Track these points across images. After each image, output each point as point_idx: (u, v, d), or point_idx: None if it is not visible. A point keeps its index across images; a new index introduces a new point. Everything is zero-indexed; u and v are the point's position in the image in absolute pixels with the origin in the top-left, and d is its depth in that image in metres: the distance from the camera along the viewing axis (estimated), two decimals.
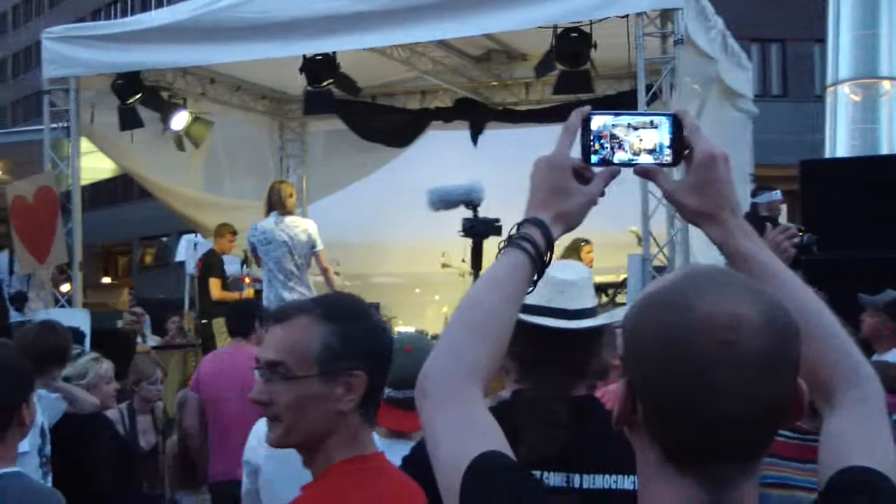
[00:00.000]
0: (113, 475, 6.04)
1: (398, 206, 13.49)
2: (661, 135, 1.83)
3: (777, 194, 9.94)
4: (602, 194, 1.89)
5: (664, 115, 1.85)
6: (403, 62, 11.45)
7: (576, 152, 1.86)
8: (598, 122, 1.83)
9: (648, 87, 8.90)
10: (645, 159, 1.83)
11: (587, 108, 1.86)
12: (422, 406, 1.73)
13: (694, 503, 1.39)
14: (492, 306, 1.81)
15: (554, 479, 2.71)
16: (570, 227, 1.89)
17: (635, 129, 1.83)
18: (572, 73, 9.93)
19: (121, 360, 7.15)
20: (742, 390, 1.34)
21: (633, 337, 1.45)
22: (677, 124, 1.83)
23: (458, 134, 12.71)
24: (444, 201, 7.06)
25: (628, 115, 1.86)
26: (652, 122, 1.84)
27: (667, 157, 1.83)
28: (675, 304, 1.40)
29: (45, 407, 5.67)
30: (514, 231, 1.88)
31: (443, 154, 13.18)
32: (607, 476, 2.65)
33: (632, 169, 1.84)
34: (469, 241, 7.10)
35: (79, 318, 9.75)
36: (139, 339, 13.20)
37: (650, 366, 1.40)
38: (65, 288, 10.80)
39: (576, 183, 1.85)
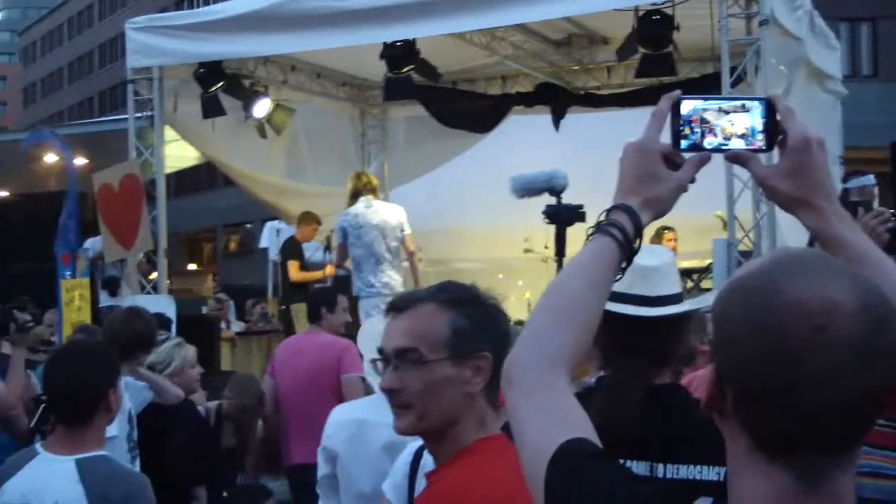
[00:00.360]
0: (196, 464, 6.11)
1: (480, 191, 13.45)
2: (752, 119, 1.78)
3: (869, 179, 9.64)
4: (692, 180, 1.85)
5: (756, 98, 1.80)
6: (484, 47, 11.40)
7: (665, 138, 1.83)
8: (688, 106, 1.80)
9: (733, 70, 8.76)
10: (736, 144, 1.79)
11: (677, 92, 1.83)
12: (507, 393, 1.73)
13: (786, 494, 1.34)
14: (576, 292, 1.80)
15: (637, 467, 2.69)
16: (659, 214, 1.87)
17: (726, 112, 1.79)
18: (655, 56, 9.80)
19: (205, 346, 7.23)
20: (835, 378, 1.29)
21: (721, 322, 1.41)
22: (770, 108, 1.78)
23: (540, 119, 12.64)
24: (526, 189, 7.08)
25: (719, 100, 1.82)
26: (743, 105, 1.79)
27: (759, 141, 1.78)
28: (765, 288, 1.36)
29: (131, 394, 5.76)
30: (602, 217, 1.86)
31: (524, 139, 13.12)
32: (691, 466, 2.61)
33: (722, 154, 1.80)
34: (552, 227, 7.06)
35: (164, 305, 9.88)
36: (223, 325, 13.38)
37: (739, 351, 1.36)
38: (156, 276, 10.97)
39: (665, 169, 1.82)
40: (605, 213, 1.86)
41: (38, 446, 3.68)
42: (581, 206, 8.71)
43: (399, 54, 10.47)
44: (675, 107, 1.80)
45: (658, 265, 2.90)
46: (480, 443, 2.43)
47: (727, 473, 1.43)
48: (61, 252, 10.30)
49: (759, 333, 1.33)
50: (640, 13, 9.48)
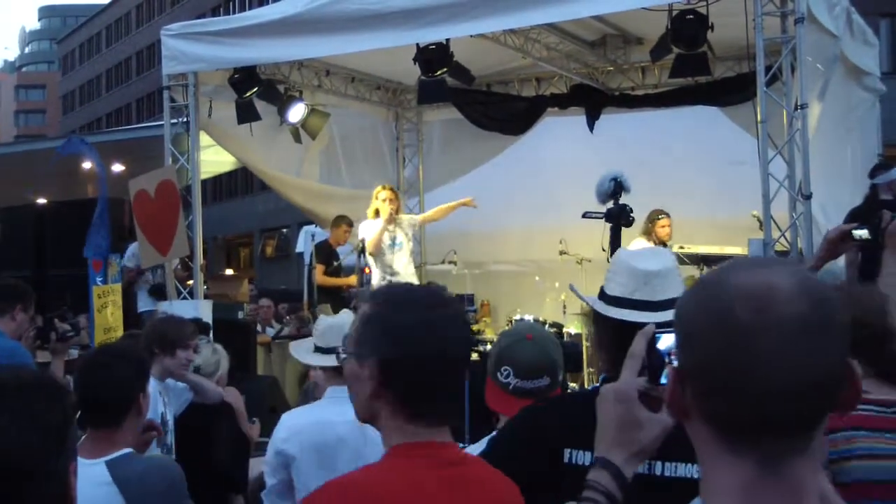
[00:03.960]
0: (235, 468, 6.14)
1: (515, 193, 13.45)
2: None
3: (895, 172, 9.43)
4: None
5: None
6: (517, 49, 11.37)
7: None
8: (668, 340, 1.81)
9: (768, 68, 8.69)
10: None
11: (650, 327, 1.88)
12: None
13: (748, 484, 1.39)
14: None
15: None
16: (644, 461, 1.92)
17: None
18: (689, 55, 9.74)
19: (241, 350, 7.24)
20: (783, 358, 1.35)
21: (679, 322, 1.48)
22: None
23: (574, 120, 12.60)
24: (597, 197, 7.53)
25: None
26: None
27: None
28: (714, 282, 1.45)
29: (172, 397, 5.79)
30: (589, 476, 1.88)
31: (559, 141, 13.10)
32: (689, 465, 2.65)
33: None
34: (590, 229, 7.19)
35: (201, 310, 9.92)
36: (266, 329, 13.45)
37: (695, 345, 1.43)
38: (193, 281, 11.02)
39: (646, 412, 1.85)
40: (591, 469, 1.88)
41: None
42: (625, 206, 8.75)
43: (432, 57, 10.46)
44: (652, 343, 1.82)
45: (660, 269, 2.90)
46: (395, 448, 2.35)
47: (700, 472, 1.48)
48: (92, 258, 10.37)
49: (709, 321, 1.41)
50: (674, 13, 9.43)
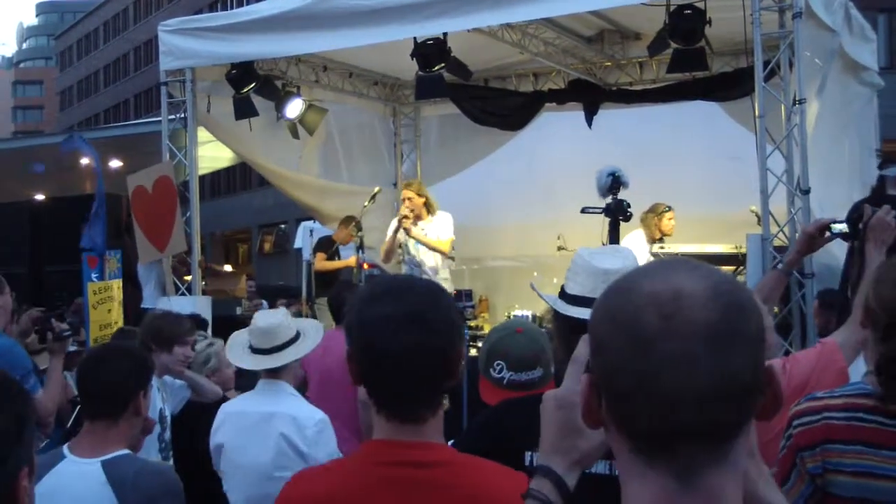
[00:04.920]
0: None
1: (513, 188, 13.45)
2: None
3: None
4: None
5: None
6: (515, 45, 11.35)
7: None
8: None
9: (766, 63, 8.68)
10: None
11: None
12: None
13: (663, 495, 1.35)
14: None
15: (598, 466, 2.74)
16: (587, 468, 1.86)
17: None
18: (686, 51, 9.71)
19: None
20: (690, 364, 1.30)
21: (591, 329, 1.44)
22: None
23: (572, 115, 12.58)
24: (599, 192, 7.63)
25: None
26: None
27: None
28: (623, 288, 1.42)
29: (170, 394, 5.78)
30: (531, 485, 1.84)
31: (557, 136, 13.08)
32: None
33: None
34: (588, 223, 7.26)
35: (199, 306, 9.91)
36: None
37: (604, 351, 1.39)
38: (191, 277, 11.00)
39: None
40: (533, 477, 1.84)
41: (64, 448, 3.66)
42: (623, 201, 8.77)
43: (430, 53, 10.43)
44: None
45: (620, 268, 2.87)
46: (363, 445, 2.44)
47: (620, 483, 1.44)
48: (87, 254, 10.34)
49: (618, 328, 1.36)
50: (672, 8, 9.41)
